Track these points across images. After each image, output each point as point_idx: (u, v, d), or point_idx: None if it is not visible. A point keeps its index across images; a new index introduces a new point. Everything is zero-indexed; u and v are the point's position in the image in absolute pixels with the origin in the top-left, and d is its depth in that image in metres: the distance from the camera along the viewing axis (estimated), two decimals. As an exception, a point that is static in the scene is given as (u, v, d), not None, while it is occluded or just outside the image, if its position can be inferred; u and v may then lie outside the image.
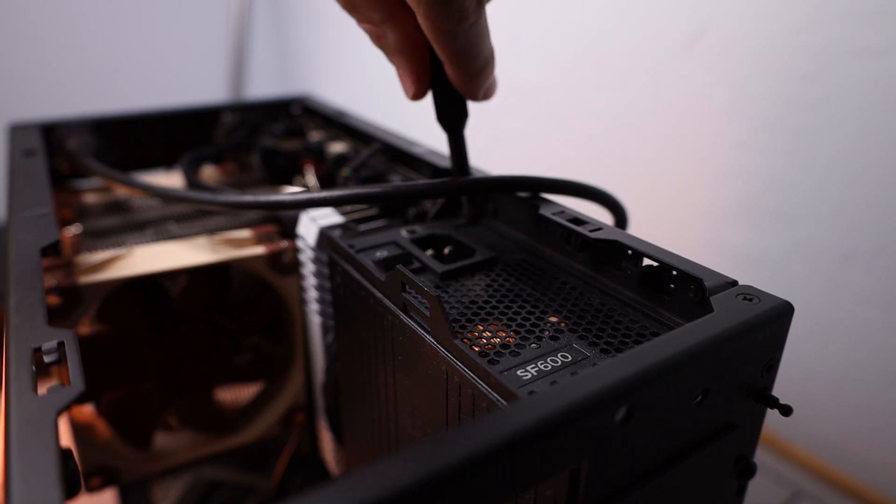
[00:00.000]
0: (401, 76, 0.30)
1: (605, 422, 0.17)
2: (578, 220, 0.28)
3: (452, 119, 0.32)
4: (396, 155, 0.43)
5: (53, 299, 0.32)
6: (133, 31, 1.33)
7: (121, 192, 0.49)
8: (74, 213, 0.46)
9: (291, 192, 0.36)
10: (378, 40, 0.28)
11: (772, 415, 0.23)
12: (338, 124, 0.53)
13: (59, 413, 0.18)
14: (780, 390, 0.23)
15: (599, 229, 0.27)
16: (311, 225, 0.35)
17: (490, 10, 0.27)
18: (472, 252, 0.30)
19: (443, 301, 0.25)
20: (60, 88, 1.29)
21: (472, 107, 0.33)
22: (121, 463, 0.39)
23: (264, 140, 0.52)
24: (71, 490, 0.16)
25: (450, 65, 0.28)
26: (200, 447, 0.42)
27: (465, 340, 0.23)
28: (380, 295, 0.27)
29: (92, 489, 0.38)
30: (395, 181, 0.42)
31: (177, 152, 0.52)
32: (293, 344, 0.41)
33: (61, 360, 0.21)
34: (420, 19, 0.25)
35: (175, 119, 0.58)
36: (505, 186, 0.30)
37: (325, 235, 0.34)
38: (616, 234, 0.27)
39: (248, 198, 0.34)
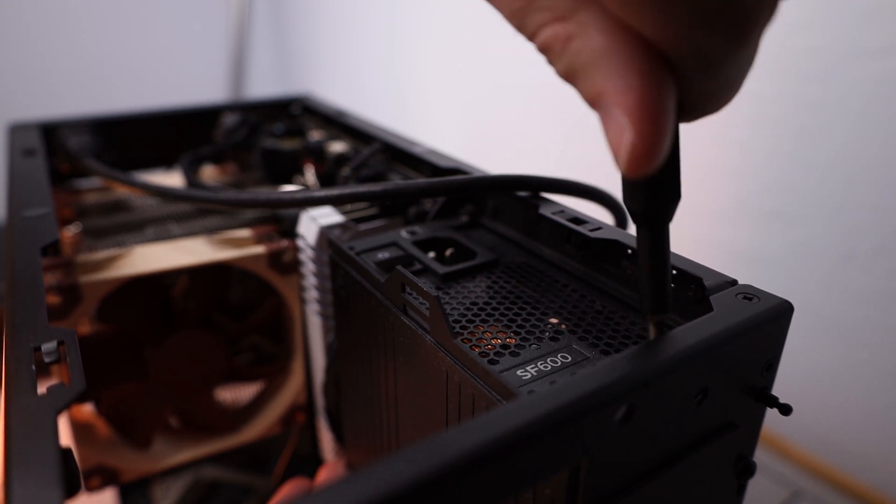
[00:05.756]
0: (613, 113, 0.15)
1: (605, 421, 0.17)
2: (578, 220, 0.28)
3: (664, 201, 0.18)
4: (396, 154, 0.43)
5: (53, 298, 0.32)
6: (133, 32, 1.34)
7: (121, 191, 0.49)
8: (74, 212, 0.46)
9: (291, 190, 0.36)
10: (565, 48, 0.15)
11: (771, 414, 0.23)
12: (338, 124, 0.53)
13: (58, 412, 0.18)
14: (779, 389, 0.23)
15: (599, 228, 0.28)
16: (312, 224, 0.35)
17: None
18: (473, 254, 0.30)
19: (443, 302, 0.25)
20: (60, 88, 1.29)
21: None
22: (121, 463, 0.39)
23: (264, 140, 0.52)
24: (71, 490, 0.16)
25: (692, 105, 0.16)
26: (200, 447, 0.42)
27: (464, 341, 0.23)
28: (380, 296, 0.27)
29: (92, 489, 0.38)
30: (395, 180, 0.42)
31: (177, 152, 0.52)
32: (293, 343, 0.41)
33: (61, 360, 0.21)
34: (663, 39, 0.14)
35: (175, 119, 0.58)
36: (505, 186, 0.30)
37: (325, 237, 0.34)
38: (616, 234, 0.27)
39: (248, 196, 0.34)
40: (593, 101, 0.15)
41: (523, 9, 0.16)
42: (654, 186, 0.17)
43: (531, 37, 0.16)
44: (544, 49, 0.16)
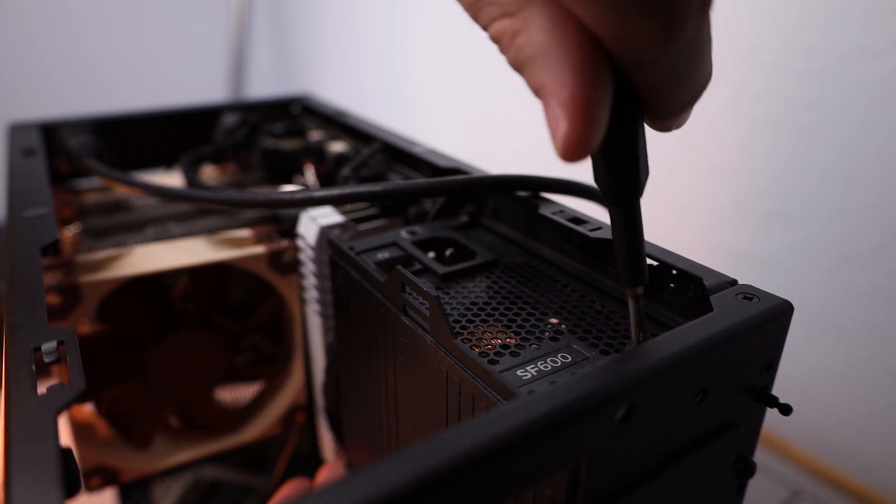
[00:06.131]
0: (550, 104, 0.16)
1: (605, 421, 0.17)
2: (578, 220, 0.28)
3: (631, 181, 0.19)
4: (396, 154, 0.43)
5: (53, 298, 0.32)
6: (133, 31, 1.34)
7: (121, 191, 0.49)
8: (74, 212, 0.46)
9: (291, 190, 0.36)
10: (511, 42, 0.16)
11: (771, 414, 0.23)
12: (338, 124, 0.53)
13: (58, 412, 0.18)
14: (779, 389, 0.23)
15: (599, 228, 0.28)
16: (312, 224, 0.35)
17: None
18: (473, 254, 0.30)
19: (443, 302, 0.25)
20: (60, 88, 1.29)
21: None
22: (121, 463, 0.39)
23: (264, 140, 0.52)
24: (71, 490, 0.16)
25: (647, 98, 0.17)
26: (200, 447, 0.42)
27: (464, 341, 0.23)
28: (380, 296, 0.27)
29: (92, 489, 0.38)
30: (395, 180, 0.42)
31: (177, 152, 0.52)
32: (293, 343, 0.41)
33: (61, 360, 0.21)
34: (595, 27, 0.15)
35: (175, 119, 0.58)
36: (505, 186, 0.30)
37: (325, 237, 0.34)
38: (616, 234, 0.27)
39: (248, 196, 0.34)
40: (536, 92, 0.16)
41: (477, 2, 0.17)
42: (615, 167, 0.18)
43: (484, 28, 0.17)
44: (495, 40, 0.17)
